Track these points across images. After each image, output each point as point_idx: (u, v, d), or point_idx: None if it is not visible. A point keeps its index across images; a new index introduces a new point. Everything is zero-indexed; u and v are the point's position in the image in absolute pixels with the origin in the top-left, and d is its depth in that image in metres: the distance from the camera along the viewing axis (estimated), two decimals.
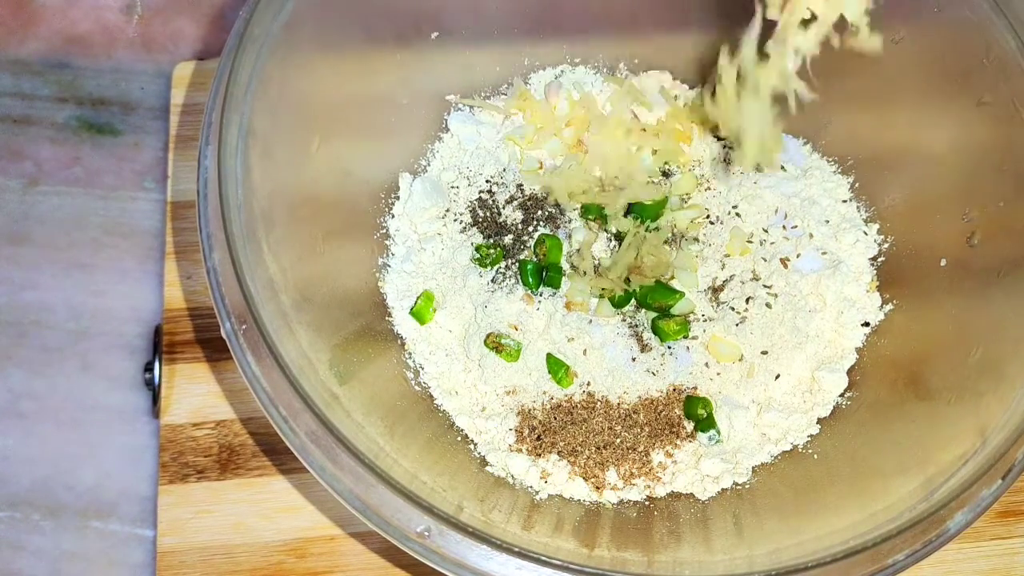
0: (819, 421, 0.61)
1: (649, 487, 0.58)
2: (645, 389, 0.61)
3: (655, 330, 0.62)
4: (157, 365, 0.64)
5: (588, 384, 0.61)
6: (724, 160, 0.69)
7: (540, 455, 0.58)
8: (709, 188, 0.68)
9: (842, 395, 0.61)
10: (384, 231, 0.66)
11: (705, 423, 0.59)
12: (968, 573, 0.59)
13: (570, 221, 0.66)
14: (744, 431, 0.60)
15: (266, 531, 0.59)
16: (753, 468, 0.59)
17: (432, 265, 0.65)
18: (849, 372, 0.62)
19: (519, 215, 0.66)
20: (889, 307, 0.64)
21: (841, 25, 0.50)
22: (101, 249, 0.74)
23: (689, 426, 0.60)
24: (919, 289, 0.62)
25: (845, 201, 0.67)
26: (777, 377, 0.62)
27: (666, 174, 0.68)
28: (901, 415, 0.58)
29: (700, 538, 0.55)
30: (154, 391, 0.64)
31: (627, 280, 0.63)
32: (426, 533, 0.45)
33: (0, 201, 0.76)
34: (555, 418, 0.59)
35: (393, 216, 0.66)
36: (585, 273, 0.64)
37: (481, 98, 0.70)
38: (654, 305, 0.62)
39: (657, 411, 0.60)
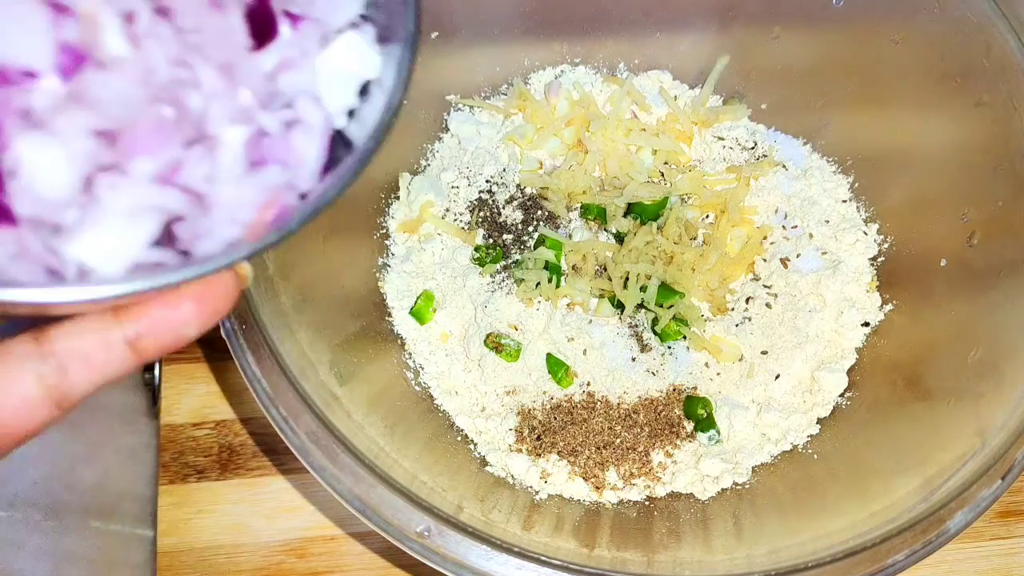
0: (819, 421, 0.61)
1: (649, 487, 0.58)
2: (645, 389, 0.61)
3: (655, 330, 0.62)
4: (157, 365, 0.64)
5: (588, 384, 0.61)
6: (723, 160, 0.69)
7: (540, 455, 0.58)
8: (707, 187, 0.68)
9: (842, 395, 0.61)
10: (384, 231, 0.66)
11: (705, 423, 0.59)
12: (968, 573, 0.59)
13: (570, 221, 0.66)
14: (744, 431, 0.60)
15: (266, 531, 0.59)
16: (753, 468, 0.59)
17: (432, 265, 0.64)
18: (849, 372, 0.62)
19: (519, 215, 0.66)
20: (889, 307, 0.64)
21: None
22: None
23: (689, 426, 0.60)
24: (919, 289, 0.62)
25: (845, 201, 0.67)
26: (777, 377, 0.61)
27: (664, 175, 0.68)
28: (901, 415, 0.58)
29: (700, 538, 0.55)
30: (154, 391, 0.64)
31: (625, 281, 0.63)
32: (426, 533, 0.45)
33: None
34: (555, 418, 0.59)
35: (393, 217, 0.66)
36: (585, 273, 0.64)
37: (481, 98, 0.70)
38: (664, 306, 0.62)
39: (657, 411, 0.60)
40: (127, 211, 0.28)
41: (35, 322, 0.30)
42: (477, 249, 0.65)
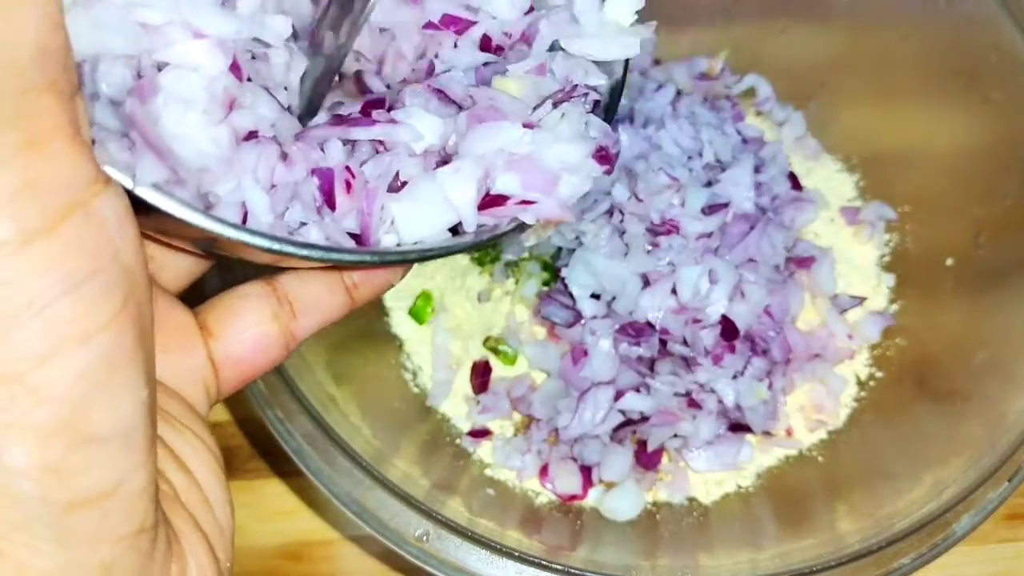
0: (824, 423, 0.60)
1: (652, 490, 0.57)
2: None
3: None
4: None
5: None
6: None
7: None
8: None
9: (848, 398, 0.61)
10: None
11: None
12: None
13: None
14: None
15: (262, 535, 0.59)
16: (757, 472, 0.58)
17: (431, 264, 0.64)
18: (855, 374, 0.61)
19: None
20: (895, 307, 0.63)
21: None
22: None
23: None
24: (926, 289, 0.61)
25: (851, 199, 0.67)
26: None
27: None
28: (907, 417, 0.57)
29: (703, 542, 0.54)
30: None
31: None
32: (424, 537, 0.45)
33: None
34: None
35: None
36: None
37: None
38: None
39: None
40: (450, 199, 0.30)
41: (264, 269, 0.32)
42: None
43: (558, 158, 0.31)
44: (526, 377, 0.60)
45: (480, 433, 0.58)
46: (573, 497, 0.56)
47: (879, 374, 0.61)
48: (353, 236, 0.30)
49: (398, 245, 0.30)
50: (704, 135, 0.60)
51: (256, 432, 0.61)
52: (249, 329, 0.31)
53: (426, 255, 0.30)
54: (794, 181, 0.64)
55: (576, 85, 0.32)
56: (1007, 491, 0.48)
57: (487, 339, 0.60)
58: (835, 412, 0.60)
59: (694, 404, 0.56)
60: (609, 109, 0.34)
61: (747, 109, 0.69)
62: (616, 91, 0.34)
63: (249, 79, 0.30)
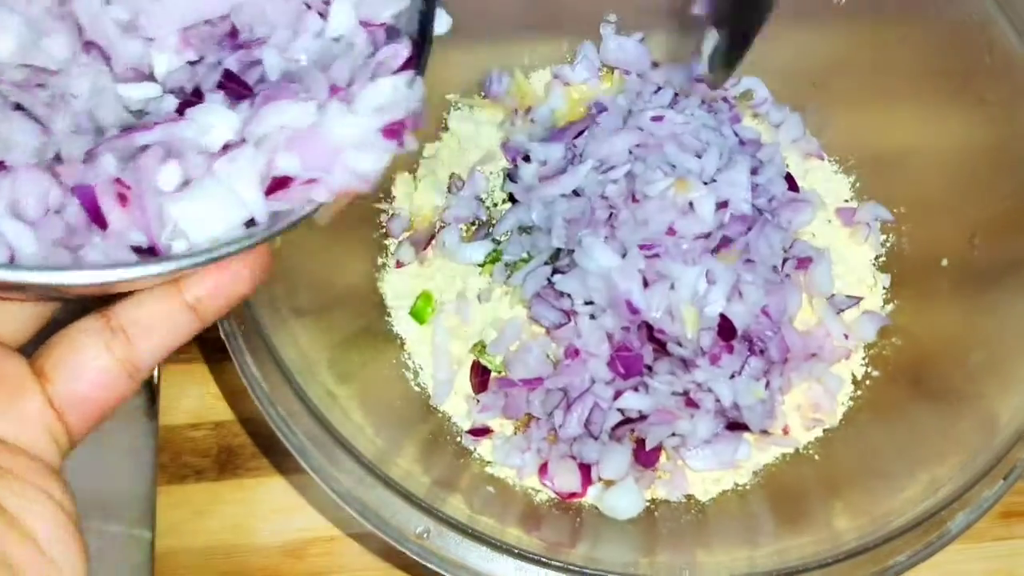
0: (820, 422, 0.60)
1: (650, 488, 0.58)
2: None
3: None
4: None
5: None
6: None
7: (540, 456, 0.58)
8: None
9: (844, 396, 0.61)
10: (383, 231, 0.65)
11: None
12: (969, 574, 0.59)
13: None
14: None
15: (265, 532, 0.59)
16: (754, 470, 0.59)
17: (431, 265, 0.64)
18: (851, 373, 0.62)
19: None
20: (891, 307, 0.63)
21: None
22: None
23: None
24: (921, 289, 0.62)
25: (847, 200, 0.67)
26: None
27: None
28: (903, 416, 0.57)
29: (701, 539, 0.54)
30: (152, 391, 0.63)
31: None
32: (425, 534, 0.45)
33: None
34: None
35: (392, 215, 0.66)
36: None
37: (480, 97, 0.70)
38: None
39: None
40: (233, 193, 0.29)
41: (103, 303, 0.31)
42: None
43: (344, 133, 0.29)
44: None
45: (480, 431, 0.58)
46: (572, 495, 0.57)
47: (875, 373, 0.61)
48: (147, 250, 0.28)
49: (189, 249, 0.29)
50: (702, 136, 0.61)
51: (259, 431, 0.62)
52: (86, 366, 0.31)
53: (216, 256, 0.28)
54: (791, 182, 0.64)
55: (375, 52, 0.32)
56: (1002, 489, 0.48)
57: (475, 344, 0.61)
58: (831, 411, 0.60)
59: (692, 403, 0.56)
60: (423, 48, 0.34)
61: (744, 111, 0.69)
62: (427, 16, 0.34)
63: (21, 108, 0.28)
